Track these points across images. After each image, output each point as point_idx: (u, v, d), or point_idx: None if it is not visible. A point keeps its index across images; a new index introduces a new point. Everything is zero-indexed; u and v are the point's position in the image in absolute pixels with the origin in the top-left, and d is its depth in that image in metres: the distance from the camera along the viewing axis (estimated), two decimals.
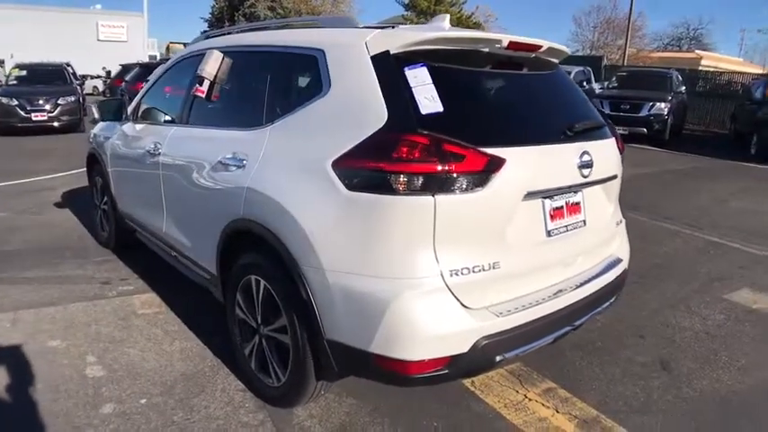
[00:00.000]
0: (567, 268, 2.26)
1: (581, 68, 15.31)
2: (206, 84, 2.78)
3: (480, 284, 1.88)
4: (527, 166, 1.95)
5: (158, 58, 29.28)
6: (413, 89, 1.85)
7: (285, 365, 2.23)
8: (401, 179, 1.75)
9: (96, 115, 3.76)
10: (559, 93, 2.41)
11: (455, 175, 1.77)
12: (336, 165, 1.89)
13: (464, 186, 1.79)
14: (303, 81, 2.26)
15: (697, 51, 35.86)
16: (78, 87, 11.74)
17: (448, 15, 2.41)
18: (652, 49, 37.69)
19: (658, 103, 11.81)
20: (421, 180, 1.74)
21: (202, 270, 2.81)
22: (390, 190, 1.76)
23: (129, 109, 3.70)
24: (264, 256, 2.24)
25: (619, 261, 2.59)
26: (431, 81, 1.87)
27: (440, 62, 1.97)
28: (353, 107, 1.94)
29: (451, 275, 1.81)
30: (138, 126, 3.55)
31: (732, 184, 8.48)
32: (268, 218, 2.12)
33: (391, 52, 1.94)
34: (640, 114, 11.69)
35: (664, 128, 11.90)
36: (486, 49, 2.10)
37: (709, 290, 4.09)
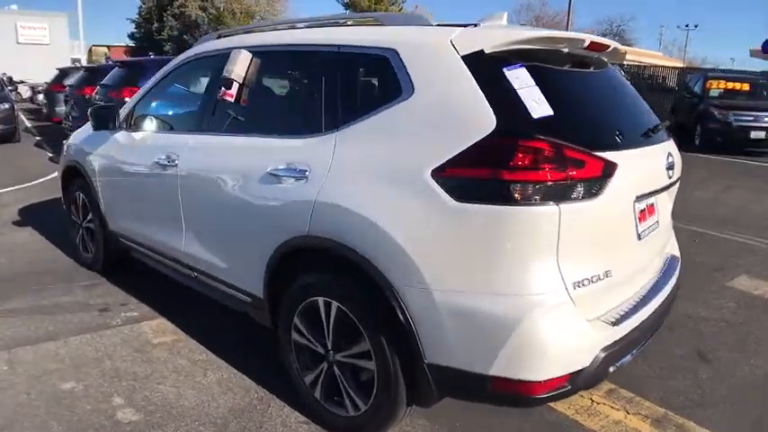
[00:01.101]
0: (650, 271, 2.22)
1: None
2: (235, 87, 2.52)
3: (597, 294, 1.80)
4: (632, 169, 1.90)
5: (83, 61, 27.36)
6: (518, 91, 1.74)
7: (366, 393, 2.04)
8: (523, 188, 1.63)
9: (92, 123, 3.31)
10: (624, 91, 2.36)
11: (576, 182, 1.68)
12: (438, 174, 1.74)
13: (584, 194, 1.70)
14: (372, 83, 2.08)
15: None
16: (11, 94, 10.70)
17: (506, 13, 2.30)
18: None
19: None
20: (544, 189, 1.63)
21: (240, 293, 2.55)
22: (511, 200, 1.64)
23: (122, 116, 3.32)
24: (339, 276, 2.04)
25: (677, 258, 2.59)
26: (534, 82, 1.77)
27: (529, 62, 1.86)
28: (449, 111, 1.80)
29: (575, 288, 1.71)
30: (138, 135, 3.20)
31: (686, 175, 8.92)
32: (348, 234, 1.93)
33: (486, 52, 1.81)
34: None
35: None
36: (567, 49, 2.02)
37: (712, 279, 4.23)
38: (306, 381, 2.29)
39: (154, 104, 3.24)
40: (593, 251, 1.79)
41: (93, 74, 8.55)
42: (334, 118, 2.11)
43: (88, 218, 3.83)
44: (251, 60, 2.55)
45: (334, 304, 2.07)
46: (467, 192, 1.70)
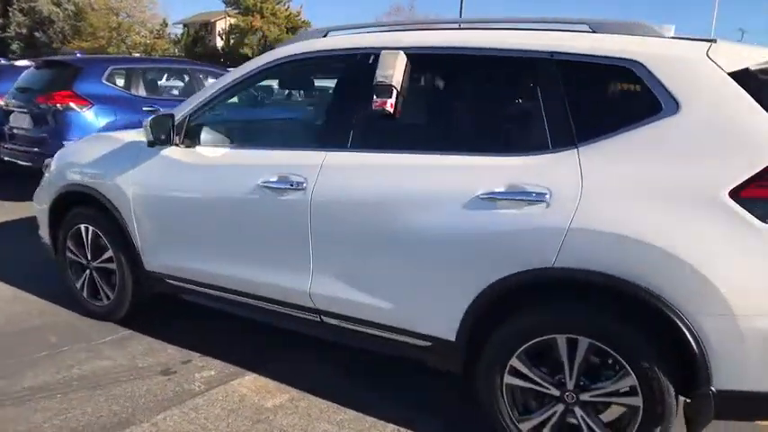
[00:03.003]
0: None
1: None
2: (394, 95, 2.15)
3: None
4: None
5: None
6: None
7: None
8: None
9: (151, 137, 2.58)
10: None
11: None
12: (738, 194, 1.67)
13: None
14: (610, 96, 1.92)
15: None
16: None
17: (673, 26, 2.24)
18: None
19: None
20: None
21: (413, 337, 2.18)
22: None
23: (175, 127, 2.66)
24: (596, 311, 1.87)
25: None
26: None
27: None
28: (730, 129, 1.74)
29: None
30: (209, 151, 2.60)
31: None
32: (624, 264, 1.74)
33: (751, 69, 1.79)
34: None
35: None
36: None
37: None
38: (522, 428, 2.03)
39: (230, 115, 2.65)
40: None
41: None
42: (566, 133, 1.89)
43: (104, 256, 3.06)
44: (406, 64, 2.20)
45: (585, 340, 1.86)
46: None
